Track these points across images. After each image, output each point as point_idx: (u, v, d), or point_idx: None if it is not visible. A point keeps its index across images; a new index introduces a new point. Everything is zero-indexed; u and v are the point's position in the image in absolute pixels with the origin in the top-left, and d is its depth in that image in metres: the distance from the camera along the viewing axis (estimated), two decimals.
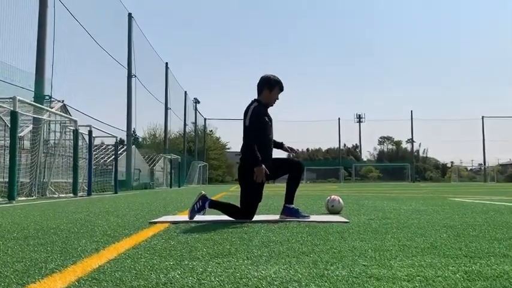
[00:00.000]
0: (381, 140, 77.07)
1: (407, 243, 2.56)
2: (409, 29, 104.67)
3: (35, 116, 11.16)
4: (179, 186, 28.62)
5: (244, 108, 4.17)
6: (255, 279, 1.70)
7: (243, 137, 4.14)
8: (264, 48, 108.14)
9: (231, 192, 13.45)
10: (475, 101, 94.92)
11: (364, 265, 1.94)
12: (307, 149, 75.42)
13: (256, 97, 4.24)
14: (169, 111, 31.52)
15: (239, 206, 4.08)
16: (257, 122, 4.08)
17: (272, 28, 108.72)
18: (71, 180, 12.30)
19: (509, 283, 1.63)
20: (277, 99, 4.28)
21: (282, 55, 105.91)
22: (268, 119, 4.22)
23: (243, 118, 4.16)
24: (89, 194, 12.43)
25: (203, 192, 4.18)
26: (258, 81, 4.24)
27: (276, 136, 4.38)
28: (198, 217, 4.06)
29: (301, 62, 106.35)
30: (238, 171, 4.18)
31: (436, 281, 1.65)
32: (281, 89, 4.25)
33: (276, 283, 1.63)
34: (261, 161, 3.97)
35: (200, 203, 4.04)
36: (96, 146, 18.71)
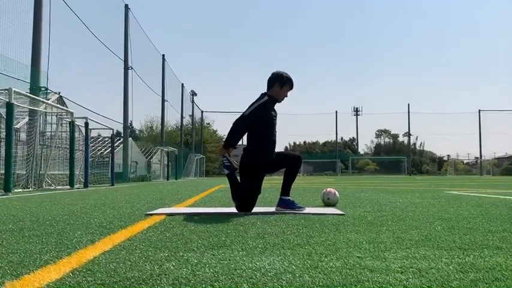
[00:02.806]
0: (377, 133, 77.20)
1: (401, 236, 2.58)
2: (407, 22, 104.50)
3: (31, 107, 11.10)
4: (176, 179, 28.62)
5: (248, 100, 4.21)
6: (249, 270, 1.70)
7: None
8: (262, 40, 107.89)
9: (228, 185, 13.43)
10: (472, 95, 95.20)
11: (358, 257, 1.95)
12: (304, 142, 75.49)
13: (264, 91, 4.26)
14: (166, 103, 31.43)
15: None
16: (259, 118, 4.10)
17: (270, 20, 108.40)
18: (67, 172, 12.27)
19: (502, 275, 1.64)
20: (286, 96, 4.32)
21: (280, 48, 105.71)
22: (274, 114, 4.26)
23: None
24: (85, 186, 12.42)
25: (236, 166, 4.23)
26: (269, 76, 4.27)
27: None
28: (195, 209, 4.08)
29: (298, 54, 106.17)
30: (240, 164, 4.20)
31: (429, 273, 1.66)
32: (291, 87, 4.30)
33: (270, 274, 1.64)
34: (229, 147, 4.14)
35: (228, 163, 4.18)
36: (92, 138, 18.66)
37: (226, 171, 4.25)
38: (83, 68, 19.14)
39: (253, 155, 4.15)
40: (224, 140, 4.28)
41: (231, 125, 4.14)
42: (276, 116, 4.28)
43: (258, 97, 4.22)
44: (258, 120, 4.11)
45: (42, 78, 11.98)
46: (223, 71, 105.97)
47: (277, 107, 4.34)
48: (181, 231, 2.81)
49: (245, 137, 4.34)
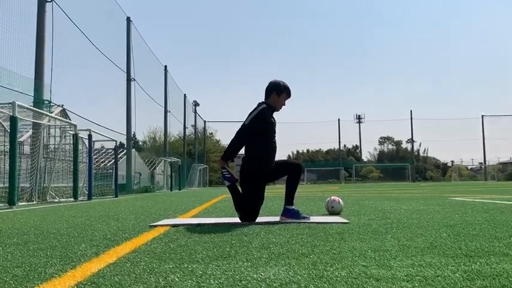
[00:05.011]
0: (381, 140, 77.09)
1: (407, 243, 2.56)
2: (408, 28, 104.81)
3: (34, 121, 11.16)
4: (180, 189, 28.59)
5: (250, 110, 4.19)
6: (254, 281, 1.69)
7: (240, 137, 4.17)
8: (263, 50, 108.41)
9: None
10: (475, 100, 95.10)
11: (363, 265, 1.94)
12: (308, 150, 75.45)
13: (262, 100, 4.27)
14: (168, 114, 31.51)
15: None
16: (259, 125, 4.11)
17: (271, 30, 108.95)
18: (71, 185, 12.29)
19: (509, 282, 1.62)
20: (284, 105, 4.33)
21: (282, 57, 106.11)
22: (273, 122, 4.28)
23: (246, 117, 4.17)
24: (89, 198, 12.42)
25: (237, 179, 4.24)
26: (266, 86, 4.30)
27: (276, 137, 4.40)
28: (199, 220, 4.09)
29: (300, 63, 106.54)
30: (240, 174, 4.20)
31: (436, 281, 1.65)
32: (288, 95, 4.32)
33: (275, 285, 1.63)
34: (227, 159, 4.21)
35: (228, 175, 4.18)
36: (96, 150, 18.71)
37: (227, 183, 4.24)
38: (86, 80, 19.24)
39: (253, 163, 4.15)
40: (224, 153, 4.27)
41: (234, 136, 4.15)
42: (275, 124, 4.29)
43: (255, 106, 4.23)
44: (259, 127, 4.12)
45: (46, 91, 12.06)
46: (225, 80, 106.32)
47: (280, 115, 4.34)
48: (185, 242, 2.80)
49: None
